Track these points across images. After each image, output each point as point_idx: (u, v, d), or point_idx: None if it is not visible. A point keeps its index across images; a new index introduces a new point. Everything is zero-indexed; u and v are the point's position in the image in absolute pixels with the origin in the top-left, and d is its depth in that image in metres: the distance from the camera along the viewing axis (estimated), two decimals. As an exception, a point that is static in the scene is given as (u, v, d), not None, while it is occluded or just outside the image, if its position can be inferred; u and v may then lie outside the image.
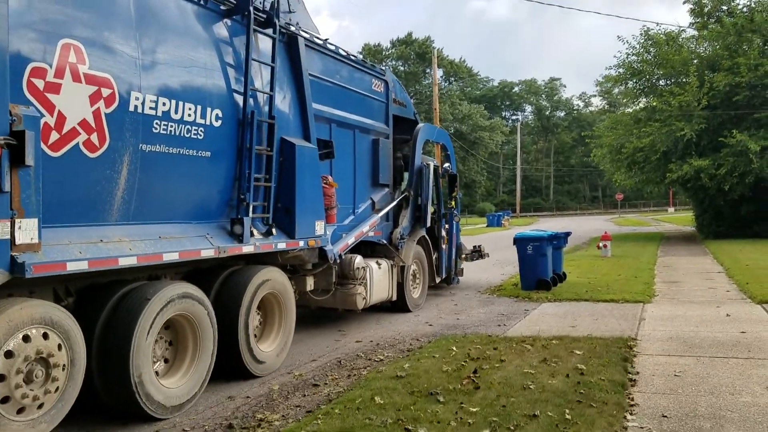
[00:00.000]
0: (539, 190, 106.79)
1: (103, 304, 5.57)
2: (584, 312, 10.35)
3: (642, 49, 28.69)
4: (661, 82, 29.50)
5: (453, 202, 13.04)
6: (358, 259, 9.50)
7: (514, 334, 8.54)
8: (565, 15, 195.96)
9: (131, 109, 5.58)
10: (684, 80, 26.95)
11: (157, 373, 5.85)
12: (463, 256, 14.34)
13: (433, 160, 12.76)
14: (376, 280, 10.03)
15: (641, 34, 28.78)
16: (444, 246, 12.86)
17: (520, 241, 12.71)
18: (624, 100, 32.91)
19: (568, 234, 14.14)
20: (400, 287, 10.94)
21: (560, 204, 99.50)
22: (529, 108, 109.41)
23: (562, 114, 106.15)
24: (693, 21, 31.39)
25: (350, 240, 9.27)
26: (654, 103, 27.52)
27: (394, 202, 10.94)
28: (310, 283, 8.82)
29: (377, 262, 10.17)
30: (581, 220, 64.15)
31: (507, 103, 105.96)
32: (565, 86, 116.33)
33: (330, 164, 8.98)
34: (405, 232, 11.04)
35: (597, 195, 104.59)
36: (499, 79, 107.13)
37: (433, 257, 12.65)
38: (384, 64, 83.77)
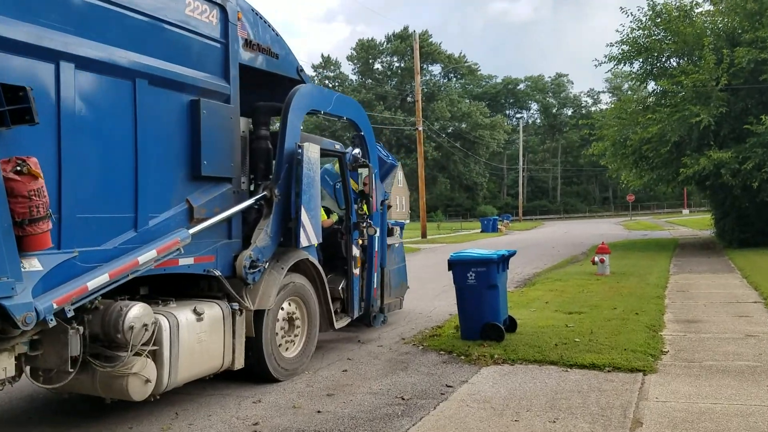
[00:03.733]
0: (546, 191, 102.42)
1: None
2: (540, 397, 6.09)
3: (650, 22, 24.20)
4: (672, 61, 25.02)
5: (366, 206, 8.75)
6: (135, 311, 5.24)
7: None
8: (582, 13, 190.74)
9: None
10: (698, 58, 22.50)
11: None
12: None
13: (332, 143, 8.56)
14: (188, 342, 5.79)
15: (648, 6, 24.30)
16: (356, 271, 8.62)
17: (457, 266, 8.46)
18: (629, 84, 28.36)
19: (510, 255, 9.00)
20: (255, 345, 6.76)
21: (568, 206, 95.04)
22: (535, 106, 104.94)
23: (570, 112, 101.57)
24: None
25: (95, 281, 4.95)
26: (663, 86, 23.07)
27: (237, 207, 6.67)
28: (5, 366, 4.67)
29: (194, 310, 5.94)
30: (588, 224, 59.74)
31: (511, 100, 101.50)
32: (572, 83, 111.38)
33: (57, 137, 4.79)
34: (263, 254, 6.72)
35: (607, 196, 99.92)
36: (502, 75, 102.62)
37: (339, 288, 8.48)
38: (378, 60, 79.59)
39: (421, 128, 36.95)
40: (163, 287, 6.30)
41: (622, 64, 25.67)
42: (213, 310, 6.16)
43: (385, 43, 78.26)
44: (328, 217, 8.70)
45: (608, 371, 6.87)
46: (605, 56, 25.63)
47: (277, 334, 7.03)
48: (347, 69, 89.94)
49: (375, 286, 9.01)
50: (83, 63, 4.98)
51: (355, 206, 8.52)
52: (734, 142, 21.69)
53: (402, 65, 77.98)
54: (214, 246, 6.36)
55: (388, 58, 79.42)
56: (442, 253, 22.37)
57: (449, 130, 73.64)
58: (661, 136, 22.02)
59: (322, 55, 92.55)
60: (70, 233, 4.87)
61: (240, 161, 6.77)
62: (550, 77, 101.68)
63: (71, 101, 4.88)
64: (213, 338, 6.12)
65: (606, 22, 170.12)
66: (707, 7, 25.37)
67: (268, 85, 7.64)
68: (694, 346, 7.97)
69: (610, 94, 72.58)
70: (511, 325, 8.78)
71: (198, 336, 5.92)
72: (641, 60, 25.08)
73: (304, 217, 6.96)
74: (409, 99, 75.78)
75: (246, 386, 6.77)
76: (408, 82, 77.36)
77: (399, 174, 72.11)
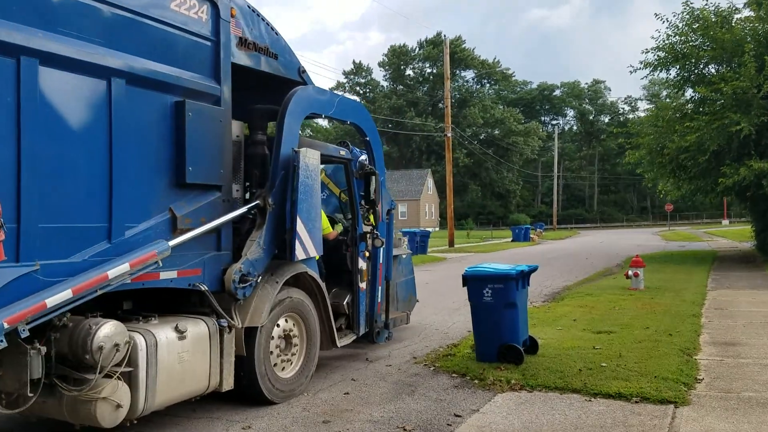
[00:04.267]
0: (582, 200, 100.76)
1: None
2: (556, 432, 5.50)
3: (686, 27, 23.24)
4: (710, 68, 23.99)
5: (372, 217, 8.20)
6: (106, 330, 4.78)
7: None
8: (622, 21, 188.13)
9: None
10: (738, 64, 21.46)
11: None
12: None
13: (338, 149, 7.97)
14: (167, 362, 5.31)
15: (684, 11, 23.35)
16: (362, 285, 8.09)
17: (472, 281, 7.87)
18: (667, 92, 27.30)
19: (531, 270, 8.29)
20: (247, 364, 6.26)
21: (605, 215, 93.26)
22: (571, 113, 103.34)
23: (607, 119, 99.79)
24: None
25: (55, 297, 4.43)
26: (701, 93, 22.09)
27: (226, 217, 6.16)
28: (-42, 390, 4.25)
29: (176, 328, 5.46)
30: (625, 234, 58.39)
31: (546, 107, 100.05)
32: (609, 89, 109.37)
33: (16, 140, 4.34)
34: (254, 268, 6.17)
35: (646, 206, 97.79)
36: (538, 81, 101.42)
37: (344, 303, 7.96)
38: (410, 66, 78.94)
39: (449, 134, 36.30)
40: (154, 302, 5.87)
41: (658, 71, 24.73)
42: (198, 328, 5.68)
43: (417, 49, 77.83)
44: (333, 228, 8.17)
45: (636, 402, 6.22)
46: (640, 63, 24.72)
47: (271, 352, 6.52)
48: (378, 75, 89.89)
49: (379, 299, 8.46)
50: (49, 59, 4.54)
51: (359, 215, 8.00)
52: (776, 151, 20.68)
53: (434, 71, 77.35)
54: (201, 258, 5.88)
55: (420, 64, 78.96)
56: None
57: (482, 137, 72.74)
58: (699, 145, 21.06)
59: (354, 62, 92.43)
60: (31, 244, 4.43)
61: (231, 168, 6.28)
62: (586, 83, 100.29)
63: (33, 100, 4.44)
64: (197, 358, 5.64)
65: (646, 30, 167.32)
66: (747, 12, 24.33)
67: (267, 87, 7.16)
68: (732, 373, 7.25)
69: (648, 101, 70.95)
70: (532, 346, 8.15)
71: (179, 355, 5.44)
72: (678, 66, 24.12)
73: (301, 227, 6.43)
74: (440, 105, 75.12)
75: (238, 409, 6.28)
76: (439, 88, 76.73)
77: (429, 181, 71.43)
